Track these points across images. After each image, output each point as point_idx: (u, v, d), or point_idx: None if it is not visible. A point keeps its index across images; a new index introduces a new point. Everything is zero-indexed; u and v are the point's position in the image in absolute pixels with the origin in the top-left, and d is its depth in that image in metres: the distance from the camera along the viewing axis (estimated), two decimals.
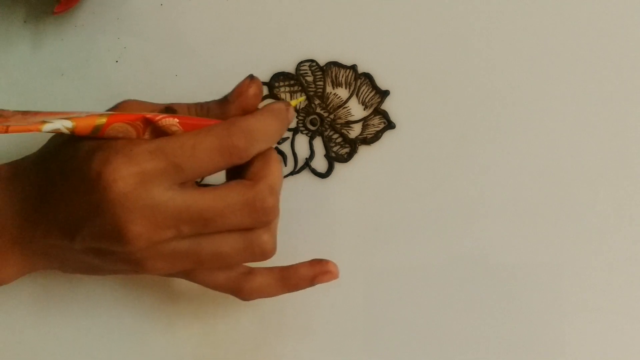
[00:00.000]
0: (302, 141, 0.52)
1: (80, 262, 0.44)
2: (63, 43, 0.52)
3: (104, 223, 0.41)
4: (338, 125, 0.52)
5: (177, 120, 0.42)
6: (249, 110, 0.44)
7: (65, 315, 0.51)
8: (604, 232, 0.50)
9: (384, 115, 0.51)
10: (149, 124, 0.42)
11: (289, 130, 0.52)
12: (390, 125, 0.51)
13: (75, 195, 0.41)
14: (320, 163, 0.52)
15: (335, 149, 0.51)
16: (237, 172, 0.44)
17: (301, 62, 0.52)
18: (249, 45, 0.52)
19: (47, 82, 0.52)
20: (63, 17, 0.52)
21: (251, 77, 0.44)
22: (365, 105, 0.52)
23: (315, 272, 0.46)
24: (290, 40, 0.52)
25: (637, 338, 0.50)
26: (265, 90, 0.52)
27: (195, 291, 0.47)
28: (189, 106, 0.45)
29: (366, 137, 0.51)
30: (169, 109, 0.44)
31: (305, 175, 0.51)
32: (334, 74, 0.52)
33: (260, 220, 0.42)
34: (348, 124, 0.52)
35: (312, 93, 0.52)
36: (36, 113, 0.42)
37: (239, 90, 0.44)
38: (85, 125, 0.41)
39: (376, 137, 0.51)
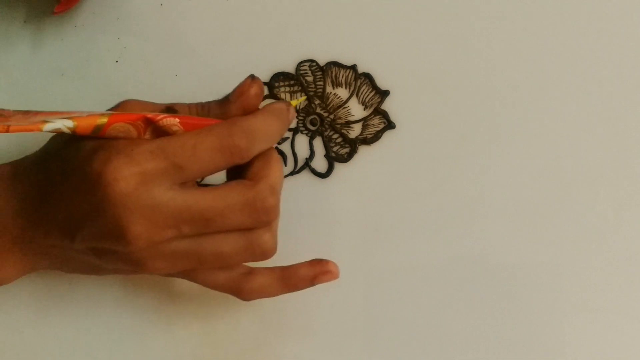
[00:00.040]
0: (302, 141, 0.52)
1: (80, 262, 0.44)
2: (63, 43, 0.52)
3: (105, 223, 0.40)
4: (338, 125, 0.51)
5: (178, 120, 0.42)
6: (250, 111, 0.44)
7: (65, 315, 0.51)
8: (604, 232, 0.50)
9: (384, 115, 0.51)
10: (150, 123, 0.42)
11: (289, 130, 0.51)
12: (390, 125, 0.51)
13: (76, 195, 0.41)
14: (320, 163, 0.51)
15: (335, 149, 0.51)
16: (237, 172, 0.43)
17: (301, 62, 0.52)
18: (249, 45, 0.52)
19: (47, 82, 0.52)
20: (63, 17, 0.52)
21: (252, 77, 0.44)
22: (365, 105, 0.51)
23: (316, 272, 0.46)
24: (290, 40, 0.52)
25: (637, 338, 0.50)
26: (265, 90, 0.51)
27: (195, 291, 0.47)
28: (189, 106, 0.44)
29: (366, 137, 0.51)
30: (170, 109, 0.44)
31: (305, 175, 0.51)
32: (334, 74, 0.51)
33: (260, 220, 0.42)
34: (348, 124, 0.51)
35: (312, 93, 0.52)
36: (37, 113, 0.42)
37: (240, 90, 0.44)
38: (87, 124, 0.41)
39: (376, 137, 0.51)
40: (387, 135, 0.51)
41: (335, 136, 0.51)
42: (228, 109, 0.44)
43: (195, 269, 0.45)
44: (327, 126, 0.51)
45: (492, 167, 0.51)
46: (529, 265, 0.50)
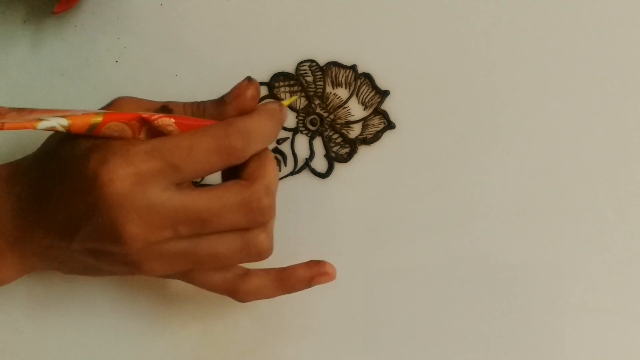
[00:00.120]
0: (302, 141, 0.51)
1: (78, 263, 0.44)
2: (63, 43, 0.52)
3: (101, 224, 0.40)
4: (338, 125, 0.51)
5: (173, 121, 0.41)
6: (246, 112, 0.43)
7: (64, 316, 0.51)
8: (604, 232, 0.50)
9: (384, 115, 0.51)
10: (145, 123, 0.41)
11: (289, 130, 0.51)
12: (390, 125, 0.51)
13: (72, 195, 0.41)
14: (320, 163, 0.51)
15: (335, 149, 0.51)
16: (232, 173, 0.43)
17: (301, 62, 0.51)
18: (249, 45, 0.51)
19: (47, 82, 0.52)
20: (63, 17, 0.52)
21: (249, 79, 0.44)
22: (365, 105, 0.51)
23: (313, 273, 0.46)
24: (290, 40, 0.51)
25: (637, 338, 0.50)
26: (265, 90, 0.51)
27: (195, 291, 0.47)
28: (184, 105, 0.44)
29: (366, 137, 0.51)
30: (165, 108, 0.44)
31: (305, 175, 0.51)
32: (334, 74, 0.51)
33: (256, 220, 0.42)
34: (348, 124, 0.51)
35: (312, 93, 0.51)
36: (32, 110, 0.42)
37: (236, 92, 0.43)
38: (81, 123, 0.40)
39: (376, 137, 0.51)
40: (387, 135, 0.51)
41: (335, 136, 0.51)
42: (224, 109, 0.43)
43: (192, 270, 0.44)
44: (327, 126, 0.51)
45: (492, 167, 0.50)
46: (529, 265, 0.50)
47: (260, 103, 0.44)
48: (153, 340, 0.50)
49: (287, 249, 0.49)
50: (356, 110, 0.51)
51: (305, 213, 0.51)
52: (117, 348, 0.51)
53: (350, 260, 0.50)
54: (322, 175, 0.51)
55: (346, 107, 0.51)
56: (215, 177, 0.45)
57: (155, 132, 0.41)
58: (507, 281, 0.50)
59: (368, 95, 0.51)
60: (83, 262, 0.43)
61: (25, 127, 0.39)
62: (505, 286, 0.50)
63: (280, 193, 0.49)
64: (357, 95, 0.51)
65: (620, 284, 0.50)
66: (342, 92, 0.51)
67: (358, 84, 0.51)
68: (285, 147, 0.51)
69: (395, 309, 0.50)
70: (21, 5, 0.52)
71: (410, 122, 0.51)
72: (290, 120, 0.51)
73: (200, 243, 0.42)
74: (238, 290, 0.45)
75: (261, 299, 0.46)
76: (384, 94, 0.51)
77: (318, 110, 0.51)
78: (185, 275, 0.45)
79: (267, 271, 0.46)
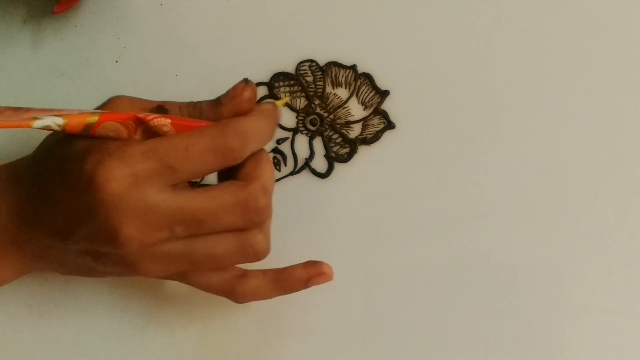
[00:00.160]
0: (302, 141, 0.51)
1: (75, 264, 0.43)
2: (63, 43, 0.52)
3: (97, 225, 0.40)
4: (338, 125, 0.51)
5: (169, 121, 0.41)
6: (242, 114, 0.43)
7: (63, 316, 0.50)
8: (604, 232, 0.50)
9: (384, 115, 0.51)
10: (141, 123, 0.41)
11: (289, 130, 0.51)
12: (390, 125, 0.51)
13: (69, 196, 0.40)
14: (320, 163, 0.51)
15: (335, 149, 0.51)
16: (229, 174, 0.43)
17: (301, 62, 0.51)
18: (249, 45, 0.51)
19: (47, 82, 0.52)
20: (63, 17, 0.51)
21: (246, 81, 0.44)
22: (365, 105, 0.51)
23: (310, 274, 0.45)
24: (290, 40, 0.51)
25: (637, 338, 0.50)
26: (265, 91, 0.51)
27: (195, 292, 0.46)
28: (180, 105, 0.44)
29: (366, 137, 0.51)
30: (161, 108, 0.43)
31: (305, 175, 0.51)
32: (333, 74, 0.51)
33: (253, 220, 0.42)
34: (348, 124, 0.51)
35: (312, 93, 0.51)
36: (28, 110, 0.41)
37: (233, 94, 0.43)
38: (77, 122, 0.40)
39: (376, 137, 0.51)
40: (387, 135, 0.51)
41: (335, 136, 0.51)
42: (220, 111, 0.43)
43: (188, 271, 0.44)
44: (327, 126, 0.51)
45: (492, 167, 0.50)
46: (529, 265, 0.50)
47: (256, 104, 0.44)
48: (153, 340, 0.50)
49: (287, 249, 0.49)
50: (356, 110, 0.51)
51: (305, 213, 0.50)
52: (117, 348, 0.50)
53: (350, 260, 0.50)
54: (322, 175, 0.51)
55: (346, 107, 0.51)
56: (213, 178, 0.45)
57: (151, 133, 0.41)
58: (507, 281, 0.50)
59: (368, 95, 0.51)
60: (80, 263, 0.43)
61: (21, 126, 0.39)
62: (505, 286, 0.50)
63: (280, 193, 0.49)
64: (357, 95, 0.51)
65: (620, 284, 0.50)
66: (342, 92, 0.51)
67: (358, 84, 0.51)
68: (285, 147, 0.51)
69: (395, 309, 0.50)
70: (21, 5, 0.52)
71: (410, 122, 0.51)
72: (290, 120, 0.51)
73: (197, 244, 0.42)
74: (235, 291, 0.45)
75: (259, 299, 0.45)
76: (384, 94, 0.51)
77: (318, 110, 0.51)
78: (182, 276, 0.45)
79: (264, 272, 0.45)
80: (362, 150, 0.51)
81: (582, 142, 0.50)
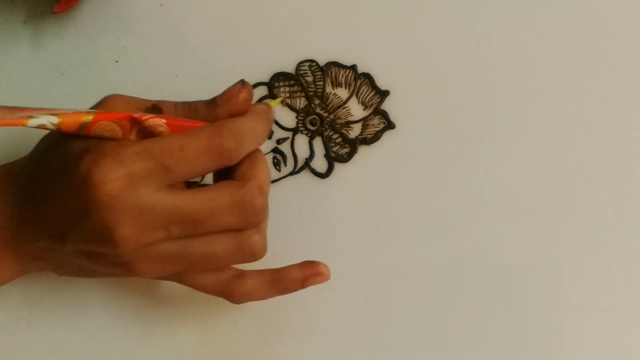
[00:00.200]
0: (302, 141, 0.51)
1: (72, 265, 0.43)
2: (63, 43, 0.52)
3: (93, 225, 0.39)
4: (338, 125, 0.51)
5: (164, 121, 0.41)
6: (237, 115, 0.43)
7: (62, 317, 0.50)
8: (604, 232, 0.50)
9: (384, 115, 0.51)
10: (136, 123, 0.40)
11: (289, 130, 0.51)
12: (390, 125, 0.51)
13: (65, 197, 0.40)
14: (320, 163, 0.51)
15: (335, 149, 0.51)
16: (224, 174, 0.43)
17: (301, 62, 0.51)
18: (249, 45, 0.51)
19: (47, 82, 0.51)
20: (63, 17, 0.51)
21: (242, 83, 0.43)
22: (365, 105, 0.51)
23: (306, 274, 0.45)
24: (290, 40, 0.51)
25: (637, 338, 0.50)
26: (265, 91, 0.51)
27: (194, 292, 0.46)
28: (175, 105, 0.43)
29: (366, 137, 0.51)
30: (155, 107, 0.43)
31: (305, 175, 0.51)
32: (333, 74, 0.51)
33: (249, 220, 0.41)
34: (348, 124, 0.51)
35: (312, 93, 0.51)
36: (23, 109, 0.41)
37: (229, 95, 0.43)
38: (72, 122, 0.39)
39: (376, 137, 0.51)
40: (387, 135, 0.51)
41: (335, 136, 0.51)
42: (215, 111, 0.43)
43: (185, 272, 0.44)
44: (327, 126, 0.51)
45: (492, 167, 0.50)
46: (529, 265, 0.50)
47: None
48: (153, 340, 0.50)
49: (286, 249, 0.49)
50: (356, 110, 0.51)
51: (305, 213, 0.50)
52: (117, 349, 0.50)
53: (350, 260, 0.50)
54: (322, 175, 0.51)
55: (346, 107, 0.51)
56: (209, 178, 0.45)
57: (146, 133, 0.41)
58: (507, 281, 0.50)
59: (368, 95, 0.51)
60: (77, 263, 0.43)
61: (15, 124, 0.38)
62: (505, 286, 0.50)
63: (280, 193, 0.49)
64: (357, 95, 0.51)
65: (620, 284, 0.49)
66: (342, 92, 0.51)
67: (358, 84, 0.51)
68: (285, 147, 0.51)
69: (395, 309, 0.50)
70: (21, 5, 0.52)
71: (410, 122, 0.50)
72: (290, 120, 0.51)
73: (193, 244, 0.41)
74: (232, 291, 0.45)
75: (255, 300, 0.45)
76: (384, 94, 0.51)
77: (318, 110, 0.51)
78: (179, 277, 0.45)
79: (261, 272, 0.45)
80: (362, 150, 0.50)
81: (582, 142, 0.50)
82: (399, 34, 0.51)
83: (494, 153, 0.50)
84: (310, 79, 0.51)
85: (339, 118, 0.51)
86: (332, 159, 0.51)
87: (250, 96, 0.43)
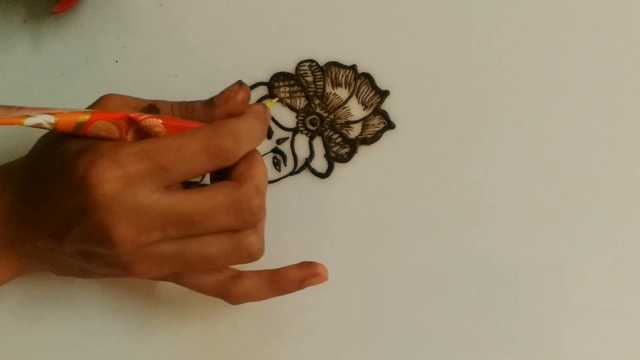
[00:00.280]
0: (302, 141, 0.51)
1: (70, 265, 0.43)
2: (63, 43, 0.52)
3: (90, 226, 0.39)
4: (338, 125, 0.51)
5: (161, 122, 0.41)
6: (234, 115, 0.43)
7: (61, 317, 0.50)
8: (605, 232, 0.49)
9: (384, 115, 0.51)
10: (133, 123, 0.40)
11: (289, 130, 0.51)
12: (390, 125, 0.51)
13: (62, 197, 0.40)
14: (320, 163, 0.51)
15: (335, 149, 0.51)
16: (221, 175, 0.42)
17: (301, 62, 0.51)
18: (249, 45, 0.51)
19: (47, 82, 0.51)
20: (63, 17, 0.51)
21: (240, 83, 0.43)
22: (365, 105, 0.51)
23: (304, 274, 0.45)
24: (290, 40, 0.51)
25: (637, 338, 0.50)
26: (265, 91, 0.51)
27: (193, 292, 0.46)
28: (172, 105, 0.43)
29: (366, 137, 0.51)
30: (152, 107, 0.43)
31: (305, 175, 0.51)
32: (333, 74, 0.51)
33: (247, 221, 0.41)
34: (348, 124, 0.51)
35: (312, 93, 0.51)
36: (20, 108, 0.41)
37: (226, 95, 0.43)
38: (68, 121, 0.39)
39: (376, 137, 0.51)
40: (387, 135, 0.51)
41: (335, 136, 0.51)
42: (212, 112, 0.43)
43: (183, 272, 0.44)
44: (327, 126, 0.51)
45: (492, 167, 0.50)
46: (529, 265, 0.50)
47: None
48: (152, 340, 0.50)
49: (286, 249, 0.49)
50: (356, 110, 0.51)
51: (305, 213, 0.50)
52: (117, 349, 0.50)
53: (350, 260, 0.50)
54: (322, 175, 0.51)
55: (346, 107, 0.51)
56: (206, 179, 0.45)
57: (143, 133, 0.41)
58: (507, 281, 0.49)
59: (368, 95, 0.51)
60: (74, 263, 0.43)
61: (12, 123, 0.38)
62: (505, 286, 0.49)
63: (280, 193, 0.49)
64: (357, 95, 0.51)
65: (620, 284, 0.49)
66: (342, 92, 0.51)
67: (358, 84, 0.51)
68: (285, 147, 0.51)
69: (395, 309, 0.50)
70: (21, 5, 0.51)
71: (410, 122, 0.50)
72: (290, 120, 0.51)
73: (190, 245, 0.41)
74: (230, 292, 0.44)
75: (253, 301, 0.45)
76: (384, 94, 0.51)
77: (318, 110, 0.51)
78: (176, 277, 0.44)
79: (259, 273, 0.45)
80: (362, 150, 0.50)
81: (582, 142, 0.50)
82: (399, 34, 0.50)
83: (494, 153, 0.50)
84: (310, 79, 0.51)
85: (339, 118, 0.51)
86: (332, 159, 0.50)
87: (248, 97, 0.43)
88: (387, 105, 0.50)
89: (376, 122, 0.50)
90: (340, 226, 0.50)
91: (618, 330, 0.49)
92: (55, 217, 0.41)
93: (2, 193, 0.43)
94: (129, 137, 0.41)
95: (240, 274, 0.45)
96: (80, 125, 0.40)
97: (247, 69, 0.50)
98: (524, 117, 0.50)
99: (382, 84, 0.50)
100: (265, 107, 0.45)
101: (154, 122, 0.41)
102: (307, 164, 0.50)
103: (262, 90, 0.50)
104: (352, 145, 0.50)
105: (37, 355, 0.50)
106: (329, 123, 0.50)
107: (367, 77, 0.50)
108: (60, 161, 0.41)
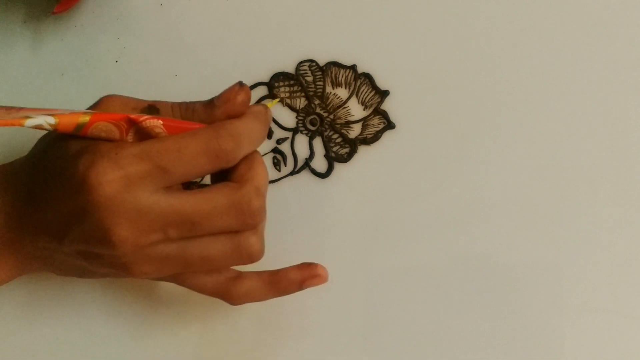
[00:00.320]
0: (302, 141, 0.51)
1: (70, 265, 0.43)
2: (63, 43, 0.51)
3: (90, 226, 0.39)
4: (338, 125, 0.51)
5: (161, 122, 0.41)
6: (235, 116, 0.43)
7: (62, 317, 0.50)
8: (605, 232, 0.49)
9: (384, 115, 0.51)
10: (133, 124, 0.40)
11: (289, 130, 0.51)
12: (390, 125, 0.51)
13: (62, 198, 0.40)
14: (320, 163, 0.51)
15: (335, 149, 0.51)
16: (222, 176, 0.42)
17: (301, 62, 0.51)
18: (249, 45, 0.51)
19: (47, 82, 0.51)
20: (63, 17, 0.51)
21: (240, 84, 0.43)
22: (365, 105, 0.51)
23: (304, 275, 0.45)
24: (290, 40, 0.51)
25: (637, 338, 0.50)
26: (265, 91, 0.51)
27: (194, 292, 0.46)
28: (172, 105, 0.43)
29: (366, 137, 0.51)
30: (152, 107, 0.43)
31: (305, 175, 0.51)
32: (333, 74, 0.51)
33: (247, 222, 0.41)
34: (348, 124, 0.51)
35: (312, 93, 0.51)
36: (20, 109, 0.41)
37: (227, 96, 0.43)
38: (68, 122, 0.39)
39: (376, 137, 0.50)
40: (387, 135, 0.50)
41: (335, 136, 0.51)
42: (213, 113, 0.43)
43: (183, 273, 0.44)
44: (327, 126, 0.51)
45: (492, 167, 0.50)
46: (529, 265, 0.49)
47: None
48: (153, 340, 0.50)
49: (286, 249, 0.49)
50: (356, 110, 0.51)
51: (305, 213, 0.50)
52: (117, 349, 0.50)
53: (350, 260, 0.50)
54: (322, 175, 0.50)
55: (346, 107, 0.51)
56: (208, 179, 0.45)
57: (143, 134, 0.41)
58: (507, 281, 0.49)
59: (368, 95, 0.51)
60: (74, 264, 0.43)
61: (12, 124, 0.38)
62: (505, 286, 0.49)
63: (280, 193, 0.49)
64: (357, 95, 0.51)
65: (620, 284, 0.49)
66: (342, 92, 0.51)
67: (358, 84, 0.51)
68: (285, 147, 0.51)
69: (395, 309, 0.50)
70: (21, 5, 0.51)
71: (410, 122, 0.50)
72: (290, 120, 0.51)
73: (190, 246, 0.41)
74: (230, 293, 0.44)
75: (253, 301, 0.45)
76: (384, 94, 0.50)
77: (318, 110, 0.51)
78: (177, 278, 0.44)
79: (259, 274, 0.45)
80: (362, 150, 0.50)
81: (582, 142, 0.50)
82: (399, 34, 0.50)
83: (494, 153, 0.50)
84: (310, 79, 0.50)
85: (339, 118, 0.50)
86: (332, 159, 0.50)
87: (248, 98, 0.43)
88: (387, 105, 0.50)
89: (376, 122, 0.50)
90: (340, 226, 0.50)
91: (618, 330, 0.49)
92: (55, 217, 0.40)
93: (2, 193, 0.43)
94: (130, 138, 0.41)
95: (240, 275, 0.45)
96: (80, 127, 0.40)
97: (247, 69, 0.50)
98: (524, 117, 0.50)
99: (382, 84, 0.50)
100: (266, 107, 0.44)
101: (155, 123, 0.41)
102: (307, 164, 0.50)
103: (262, 90, 0.50)
104: (352, 145, 0.50)
105: (37, 355, 0.50)
106: (329, 123, 0.50)
107: (367, 77, 0.50)
108: (60, 162, 0.40)
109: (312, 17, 0.51)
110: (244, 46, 0.51)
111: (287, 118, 0.50)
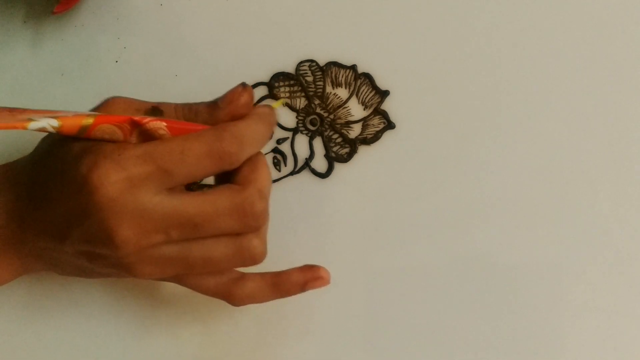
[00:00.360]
0: (302, 141, 0.51)
1: (73, 265, 0.43)
2: (63, 43, 0.51)
3: (93, 227, 0.39)
4: (338, 125, 0.51)
5: (165, 124, 0.41)
6: (238, 118, 0.43)
7: (63, 317, 0.50)
8: (605, 232, 0.49)
9: (384, 115, 0.51)
10: (137, 126, 0.40)
11: (289, 130, 0.51)
12: (390, 125, 0.51)
13: (64, 198, 0.40)
14: (320, 163, 0.51)
15: (335, 149, 0.51)
16: (225, 177, 0.42)
17: (301, 62, 0.51)
18: (249, 45, 0.51)
19: (47, 82, 0.51)
20: (63, 17, 0.51)
21: (243, 85, 0.43)
22: (365, 105, 0.51)
23: (307, 278, 0.45)
24: (290, 40, 0.51)
25: (637, 338, 0.50)
26: (265, 91, 0.51)
27: (196, 292, 0.46)
28: (176, 107, 0.43)
29: (366, 137, 0.51)
30: (156, 109, 0.43)
31: (305, 175, 0.51)
32: (333, 74, 0.51)
33: (249, 224, 0.41)
34: (348, 124, 0.51)
35: (312, 93, 0.51)
36: (23, 110, 0.41)
37: (230, 97, 0.43)
38: (72, 124, 0.39)
39: (376, 137, 0.50)
40: (387, 135, 0.50)
41: (335, 136, 0.51)
42: (216, 114, 0.43)
43: (186, 274, 0.44)
44: (327, 126, 0.51)
45: (492, 167, 0.50)
46: (529, 265, 0.49)
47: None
48: (154, 341, 0.50)
49: (286, 249, 0.49)
50: (356, 110, 0.51)
51: (305, 213, 0.50)
52: (118, 349, 0.50)
53: (350, 261, 0.49)
54: (322, 175, 0.50)
55: (346, 107, 0.51)
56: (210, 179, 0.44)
57: (146, 135, 0.41)
58: (507, 281, 0.49)
59: (368, 95, 0.50)
60: (76, 264, 0.43)
61: (16, 127, 0.38)
62: (505, 286, 0.49)
63: (280, 193, 0.49)
64: (357, 95, 0.51)
65: (620, 284, 0.49)
66: (342, 92, 0.51)
67: (358, 84, 0.51)
68: (285, 147, 0.51)
69: (395, 309, 0.50)
70: (21, 5, 0.51)
71: (410, 122, 0.50)
72: (290, 120, 0.51)
73: (193, 247, 0.41)
74: (232, 294, 0.44)
75: (256, 303, 0.45)
76: (384, 94, 0.50)
77: (318, 110, 0.51)
78: (179, 279, 0.44)
79: (261, 275, 0.45)
80: (362, 150, 0.50)
81: (582, 142, 0.50)
82: (399, 34, 0.50)
83: (494, 153, 0.50)
84: (310, 79, 0.50)
85: (339, 118, 0.50)
86: (332, 159, 0.50)
87: (252, 99, 0.43)
88: (387, 105, 0.50)
89: (376, 122, 0.50)
90: (341, 226, 0.50)
91: (618, 330, 0.49)
92: (57, 217, 0.40)
93: (4, 192, 0.43)
94: (133, 139, 0.41)
95: (242, 276, 0.45)
96: (84, 129, 0.40)
97: (247, 69, 0.50)
98: (524, 117, 0.50)
99: (382, 84, 0.50)
100: (271, 109, 0.44)
101: (158, 124, 0.40)
102: (307, 164, 0.50)
103: (262, 90, 0.50)
104: (352, 145, 0.50)
105: (38, 355, 0.50)
106: (329, 123, 0.50)
107: (367, 77, 0.50)
108: (62, 162, 0.40)
109: (312, 17, 0.51)
110: (244, 46, 0.51)
111: (287, 118, 0.50)
